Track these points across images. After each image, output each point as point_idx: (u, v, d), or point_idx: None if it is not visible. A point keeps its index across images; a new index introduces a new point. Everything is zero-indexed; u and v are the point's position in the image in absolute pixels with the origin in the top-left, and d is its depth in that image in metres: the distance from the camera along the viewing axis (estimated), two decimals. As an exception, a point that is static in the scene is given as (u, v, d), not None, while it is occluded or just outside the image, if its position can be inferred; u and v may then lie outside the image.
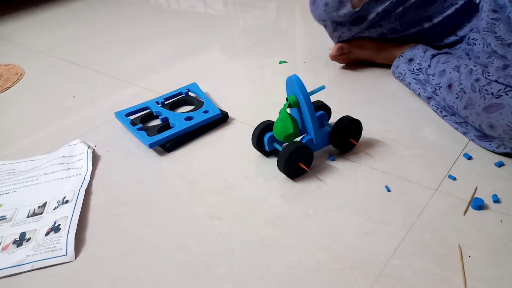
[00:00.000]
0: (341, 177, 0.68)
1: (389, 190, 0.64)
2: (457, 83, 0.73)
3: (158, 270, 0.56)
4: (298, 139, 0.72)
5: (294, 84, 0.66)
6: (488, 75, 0.67)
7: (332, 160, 0.72)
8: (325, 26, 0.99)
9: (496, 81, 0.66)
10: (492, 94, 0.66)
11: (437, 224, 0.58)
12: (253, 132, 0.73)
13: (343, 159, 0.72)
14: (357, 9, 0.90)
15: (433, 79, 0.81)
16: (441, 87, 0.78)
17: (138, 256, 0.58)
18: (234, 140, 0.81)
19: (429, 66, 0.83)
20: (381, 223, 0.59)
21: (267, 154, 0.75)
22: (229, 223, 0.62)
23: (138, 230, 0.63)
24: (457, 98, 0.73)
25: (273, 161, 0.73)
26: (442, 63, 0.80)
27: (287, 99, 0.68)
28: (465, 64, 0.73)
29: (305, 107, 0.66)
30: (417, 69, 0.86)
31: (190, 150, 0.79)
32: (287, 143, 0.68)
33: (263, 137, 0.72)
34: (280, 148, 0.70)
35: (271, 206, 0.64)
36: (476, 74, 0.69)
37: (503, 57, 0.71)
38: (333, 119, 0.81)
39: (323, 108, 0.78)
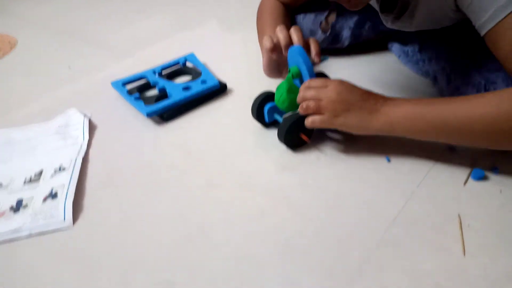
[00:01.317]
0: (341, 148, 0.67)
1: (389, 161, 0.64)
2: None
3: (156, 238, 0.56)
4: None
5: (297, 55, 0.64)
6: None
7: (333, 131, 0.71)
8: None
9: None
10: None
11: (437, 194, 0.58)
12: (253, 103, 0.72)
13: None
14: (327, 33, 0.86)
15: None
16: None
17: (135, 224, 0.58)
18: (233, 111, 0.80)
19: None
20: (381, 192, 0.59)
21: (266, 125, 0.74)
22: (228, 192, 0.62)
23: (136, 198, 0.62)
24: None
25: (272, 132, 0.73)
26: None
27: (289, 71, 0.66)
28: None
29: (308, 77, 0.65)
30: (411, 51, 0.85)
31: (188, 121, 0.78)
32: (287, 114, 0.67)
33: (263, 108, 0.71)
34: (280, 119, 0.69)
35: (270, 176, 0.64)
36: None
37: None
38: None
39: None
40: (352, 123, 0.60)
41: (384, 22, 0.77)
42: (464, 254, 0.50)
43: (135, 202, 0.61)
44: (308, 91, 0.62)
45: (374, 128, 0.60)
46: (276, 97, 0.67)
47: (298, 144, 0.68)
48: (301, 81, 0.68)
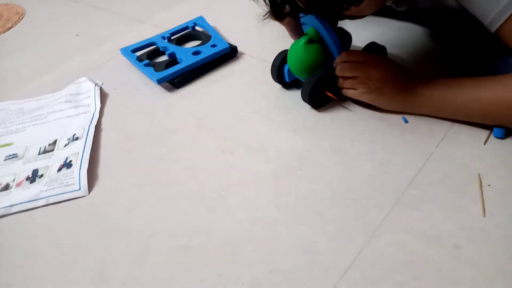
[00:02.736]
0: (357, 109, 0.66)
1: (406, 121, 0.62)
2: None
3: (172, 202, 0.56)
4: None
5: (311, 16, 0.61)
6: None
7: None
8: None
9: None
10: None
11: (456, 154, 0.57)
12: (273, 63, 0.69)
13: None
14: None
15: None
16: None
17: (151, 189, 0.58)
18: (244, 74, 0.78)
19: None
20: (398, 153, 0.58)
21: (287, 85, 0.72)
22: (242, 156, 0.61)
23: (150, 164, 0.62)
24: None
25: (285, 95, 0.71)
26: None
27: (306, 34, 0.63)
28: None
29: (328, 38, 0.62)
30: None
31: (199, 86, 0.77)
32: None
33: (283, 68, 0.69)
34: (302, 79, 0.67)
35: (284, 139, 0.63)
36: None
37: None
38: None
39: (343, 36, 0.73)
40: (383, 101, 0.62)
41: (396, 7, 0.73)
42: (484, 215, 0.49)
43: (149, 169, 0.61)
44: (344, 67, 0.63)
45: (403, 107, 0.62)
46: (292, 66, 0.65)
47: (322, 102, 0.66)
48: (321, 43, 0.64)
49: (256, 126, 0.66)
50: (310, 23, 0.64)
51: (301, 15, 0.64)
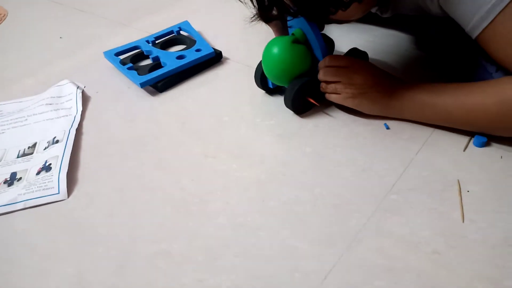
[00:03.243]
0: (340, 115, 0.66)
1: (388, 128, 0.63)
2: None
3: (153, 207, 0.55)
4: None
5: (300, 18, 0.62)
6: None
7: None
8: None
9: None
10: None
11: (436, 160, 0.57)
12: (256, 68, 0.70)
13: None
14: None
15: None
16: None
17: (132, 194, 0.57)
18: (228, 79, 0.78)
19: None
20: (379, 159, 0.58)
21: (270, 91, 0.72)
22: (224, 161, 0.61)
23: (131, 168, 0.61)
24: None
25: (269, 100, 0.71)
26: None
27: (293, 34, 0.64)
28: None
29: (314, 39, 0.63)
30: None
31: (183, 90, 0.76)
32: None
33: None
34: (283, 85, 0.67)
35: (267, 144, 0.63)
36: None
37: None
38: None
39: (326, 41, 0.74)
40: (366, 105, 0.62)
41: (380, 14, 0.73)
42: (463, 220, 0.50)
43: (130, 173, 0.61)
44: (327, 71, 0.63)
45: (385, 112, 0.63)
46: (270, 74, 0.65)
47: (305, 108, 0.67)
48: (307, 44, 0.65)
49: (239, 131, 0.66)
50: (297, 25, 0.64)
51: (288, 18, 0.64)
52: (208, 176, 0.59)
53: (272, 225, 0.51)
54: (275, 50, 0.63)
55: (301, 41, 0.64)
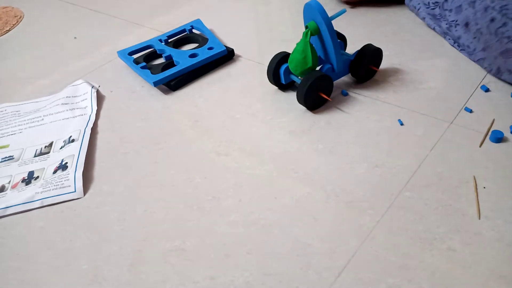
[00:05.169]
0: (352, 111, 0.66)
1: (402, 124, 0.62)
2: (473, 22, 0.67)
3: (166, 204, 0.56)
4: (317, 68, 0.69)
5: (314, 10, 0.62)
6: (507, 11, 0.61)
7: (345, 94, 0.69)
8: None
9: None
10: (508, 38, 0.61)
11: (451, 156, 0.56)
12: (269, 64, 0.70)
13: (355, 94, 0.69)
14: None
15: (449, 15, 0.76)
16: (458, 24, 0.73)
17: (145, 192, 0.58)
18: (240, 77, 0.78)
19: (445, 0, 0.77)
20: (393, 156, 0.58)
21: (283, 87, 0.72)
22: (236, 159, 0.61)
23: (145, 166, 0.62)
24: (474, 38, 0.68)
25: (281, 98, 0.71)
26: None
27: (306, 27, 0.64)
28: None
29: (327, 34, 0.62)
30: (433, 3, 0.80)
31: (195, 88, 0.77)
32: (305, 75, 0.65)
33: (279, 69, 0.69)
34: (298, 80, 0.67)
35: (279, 142, 0.63)
36: (492, 12, 0.64)
37: None
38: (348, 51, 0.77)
39: (339, 37, 0.74)
40: None
41: None
42: (479, 217, 0.49)
43: (144, 171, 0.61)
44: None
45: None
46: (289, 61, 0.65)
47: (317, 104, 0.66)
48: (320, 37, 0.65)
49: (251, 128, 0.66)
50: (311, 17, 0.64)
51: (304, 9, 0.63)
52: (220, 173, 0.59)
53: (285, 222, 0.51)
54: (293, 52, 0.65)
55: (315, 33, 0.63)
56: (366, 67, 0.68)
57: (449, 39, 0.77)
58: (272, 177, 0.57)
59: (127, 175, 0.61)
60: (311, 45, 0.63)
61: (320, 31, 0.64)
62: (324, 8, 0.62)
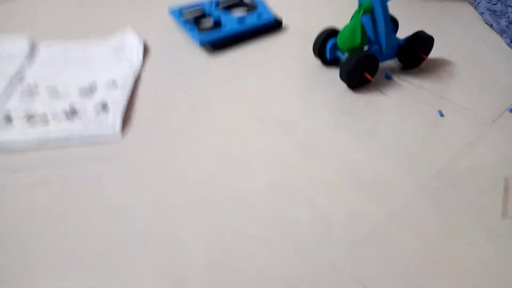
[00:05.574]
0: (394, 96, 0.65)
1: (442, 115, 0.61)
2: None
3: (200, 161, 0.57)
4: (365, 48, 0.68)
5: None
6: None
7: (389, 78, 0.68)
8: None
9: None
10: None
11: (487, 155, 0.56)
12: (316, 38, 0.70)
13: (399, 79, 0.69)
14: None
15: (511, 12, 0.73)
16: None
17: (180, 146, 0.60)
18: (286, 48, 0.78)
19: None
20: (428, 145, 0.57)
21: (327, 63, 0.72)
22: (271, 127, 0.62)
23: (183, 124, 0.64)
24: None
25: (323, 73, 0.71)
26: None
27: (360, 5, 0.63)
28: None
29: (381, 14, 0.62)
30: None
31: (240, 53, 0.78)
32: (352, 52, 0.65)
33: (325, 44, 0.69)
34: (342, 57, 0.67)
35: (316, 116, 0.63)
36: None
37: None
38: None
39: (391, 20, 0.73)
40: None
41: None
42: (505, 216, 0.48)
43: (181, 128, 0.63)
44: None
45: None
46: (338, 36, 0.65)
47: (360, 83, 0.66)
48: (372, 17, 0.64)
49: (290, 99, 0.67)
50: None
51: None
52: (254, 138, 0.60)
53: (311, 193, 0.52)
54: (344, 28, 0.64)
55: (368, 12, 0.63)
56: (415, 54, 0.67)
57: (506, 37, 0.74)
58: (303, 150, 0.58)
59: (165, 128, 0.63)
60: (361, 23, 0.63)
61: (374, 11, 0.63)
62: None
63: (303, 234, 0.48)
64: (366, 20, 0.66)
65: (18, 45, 0.81)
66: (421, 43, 0.66)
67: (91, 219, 0.50)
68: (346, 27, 0.64)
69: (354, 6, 0.68)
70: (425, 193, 0.51)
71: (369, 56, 0.64)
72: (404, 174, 0.54)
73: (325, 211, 0.50)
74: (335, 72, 0.70)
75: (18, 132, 0.63)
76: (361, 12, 0.62)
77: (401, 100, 0.64)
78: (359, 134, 0.60)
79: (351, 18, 0.64)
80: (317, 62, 0.73)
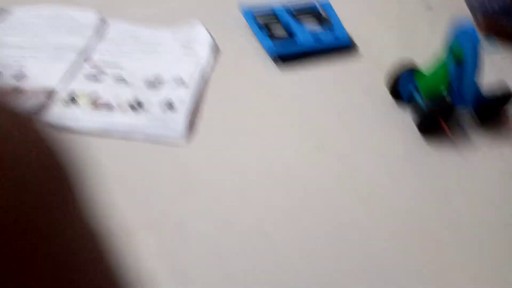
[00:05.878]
0: (471, 157, 0.62)
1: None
2: None
3: (262, 177, 0.57)
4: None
5: (468, 36, 0.57)
6: None
7: (463, 130, 0.65)
8: None
9: None
10: None
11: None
12: (392, 74, 0.67)
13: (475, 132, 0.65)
14: None
15: None
16: None
17: (242, 159, 0.59)
18: (359, 75, 0.74)
19: None
20: (503, 212, 0.55)
21: (398, 101, 0.69)
22: (330, 159, 0.60)
23: (247, 135, 0.62)
24: None
25: (396, 113, 0.67)
26: None
27: (450, 48, 0.60)
28: None
29: (471, 71, 0.59)
30: None
31: (308, 71, 0.75)
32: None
33: (401, 82, 0.66)
34: (420, 100, 0.64)
35: (373, 161, 0.60)
36: None
37: None
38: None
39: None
40: None
41: None
42: None
43: (245, 139, 0.62)
44: None
45: None
46: (421, 82, 0.63)
47: (432, 132, 0.63)
48: (461, 70, 0.61)
49: (353, 130, 0.65)
50: (461, 42, 0.59)
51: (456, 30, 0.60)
52: (313, 169, 0.59)
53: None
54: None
55: (458, 62, 0.59)
56: (498, 113, 0.65)
57: None
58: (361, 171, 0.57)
59: (230, 137, 0.62)
60: (446, 67, 0.60)
61: (463, 63, 0.60)
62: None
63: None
64: (453, 70, 0.63)
65: (88, 17, 0.79)
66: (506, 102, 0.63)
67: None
68: (433, 75, 0.61)
69: (438, 37, 0.64)
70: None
71: (450, 105, 0.61)
72: (475, 239, 0.52)
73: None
74: (407, 113, 0.67)
75: (83, 113, 0.62)
76: (450, 60, 0.59)
77: (484, 162, 0.61)
78: (425, 195, 0.57)
79: (438, 65, 0.61)
80: (387, 95, 0.70)
